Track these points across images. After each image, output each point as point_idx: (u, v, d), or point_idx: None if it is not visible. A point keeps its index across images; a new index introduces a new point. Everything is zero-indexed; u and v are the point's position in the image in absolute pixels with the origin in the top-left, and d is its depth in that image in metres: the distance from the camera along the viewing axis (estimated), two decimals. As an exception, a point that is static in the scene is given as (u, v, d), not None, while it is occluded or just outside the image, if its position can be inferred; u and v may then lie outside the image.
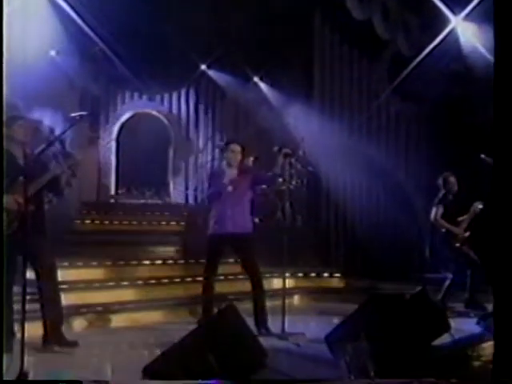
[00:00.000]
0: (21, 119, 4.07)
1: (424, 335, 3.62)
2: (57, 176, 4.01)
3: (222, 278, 5.70)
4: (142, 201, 9.00)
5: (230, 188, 4.71)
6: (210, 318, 3.08)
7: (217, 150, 8.93)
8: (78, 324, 4.40)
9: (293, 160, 7.76)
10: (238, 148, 4.82)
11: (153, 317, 5.25)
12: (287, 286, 5.06)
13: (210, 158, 9.28)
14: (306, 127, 8.11)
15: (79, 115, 3.81)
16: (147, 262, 6.08)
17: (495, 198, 2.96)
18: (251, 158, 7.87)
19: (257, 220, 6.47)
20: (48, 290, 3.89)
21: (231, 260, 5.46)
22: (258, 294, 4.75)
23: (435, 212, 5.74)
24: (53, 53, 7.99)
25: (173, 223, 8.19)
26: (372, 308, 3.57)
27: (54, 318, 3.89)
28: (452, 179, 5.79)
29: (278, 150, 4.81)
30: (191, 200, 9.31)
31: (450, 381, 3.07)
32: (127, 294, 5.35)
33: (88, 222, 7.91)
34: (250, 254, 4.74)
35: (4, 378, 3.10)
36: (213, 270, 4.79)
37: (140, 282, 5.60)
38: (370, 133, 8.64)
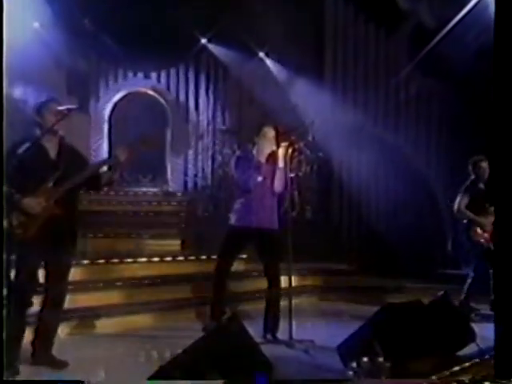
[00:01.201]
0: (53, 102, 3.74)
1: (446, 346, 3.55)
2: (97, 174, 3.83)
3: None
4: (137, 188, 8.95)
5: (259, 178, 4.58)
6: (210, 331, 3.03)
7: (218, 134, 8.88)
8: (61, 332, 4.33)
9: (301, 145, 7.88)
10: (272, 133, 4.64)
11: (148, 322, 5.20)
12: (294, 284, 4.99)
13: (211, 141, 9.19)
14: (317, 108, 8.00)
15: (67, 109, 3.71)
16: (143, 260, 6.02)
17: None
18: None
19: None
20: (55, 292, 3.71)
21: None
22: (274, 295, 4.70)
23: (459, 201, 5.59)
24: (36, 25, 7.87)
25: (171, 214, 8.15)
26: (387, 317, 3.50)
27: (50, 325, 3.76)
28: (484, 164, 5.60)
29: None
30: (191, 188, 9.23)
31: (461, 381, 3.15)
32: (118, 296, 5.31)
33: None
34: (274, 253, 4.67)
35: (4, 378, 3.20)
36: (227, 266, 4.72)
37: (133, 282, 5.56)
38: (387, 114, 8.54)
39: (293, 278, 4.88)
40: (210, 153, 9.14)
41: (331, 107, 8.31)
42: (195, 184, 9.16)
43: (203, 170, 9.13)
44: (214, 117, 9.30)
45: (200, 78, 9.34)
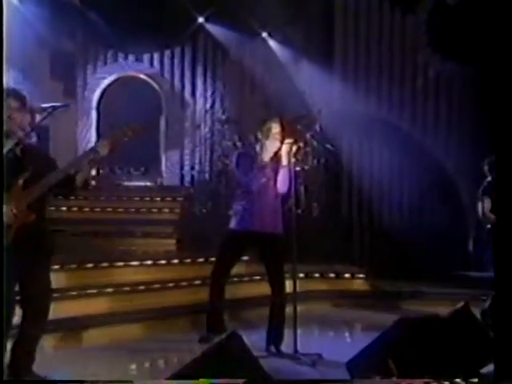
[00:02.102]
0: (12, 98, 3.50)
1: (467, 365, 3.53)
2: (71, 175, 3.59)
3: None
4: (128, 182, 8.93)
5: (263, 179, 4.57)
6: (208, 350, 3.01)
7: (217, 124, 8.84)
8: (45, 345, 4.31)
9: (308, 136, 7.86)
10: (277, 128, 4.60)
11: (140, 332, 5.18)
12: (299, 289, 4.92)
13: (209, 131, 9.16)
14: (325, 96, 7.99)
15: (51, 106, 3.61)
16: (134, 263, 6.00)
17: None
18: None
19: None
20: (36, 303, 3.60)
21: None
22: (278, 304, 4.69)
23: (482, 205, 5.58)
24: (15, 0, 7.82)
25: (165, 210, 8.13)
26: (401, 332, 3.47)
27: (30, 339, 3.72)
28: None
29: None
30: (187, 182, 9.22)
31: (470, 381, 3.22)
32: (108, 304, 5.27)
33: (64, 209, 7.86)
34: (278, 258, 4.66)
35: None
36: (225, 272, 4.72)
37: (126, 289, 5.53)
38: (403, 102, 8.51)
39: (298, 282, 4.83)
40: (208, 144, 9.09)
41: (341, 94, 8.29)
42: (192, 178, 9.14)
43: (201, 162, 9.09)
44: (212, 104, 9.25)
45: (197, 62, 9.28)
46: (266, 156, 4.62)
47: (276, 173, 4.61)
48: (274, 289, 4.67)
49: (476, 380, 3.34)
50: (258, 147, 4.71)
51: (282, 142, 4.62)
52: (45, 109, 3.61)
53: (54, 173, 3.58)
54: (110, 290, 5.39)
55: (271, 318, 4.70)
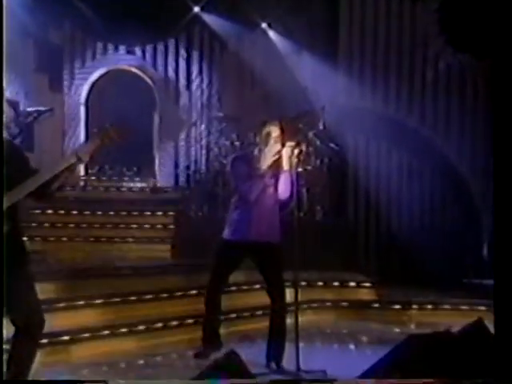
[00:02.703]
0: None
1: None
2: (49, 179, 3.52)
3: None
4: (119, 183, 8.93)
5: (261, 185, 4.58)
6: (206, 369, 3.00)
7: (214, 121, 8.83)
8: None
9: (310, 134, 7.86)
10: (276, 131, 4.61)
11: (132, 346, 5.18)
12: (301, 298, 4.97)
13: (206, 129, 9.15)
14: (329, 91, 7.99)
15: (36, 111, 3.60)
16: (126, 272, 6.03)
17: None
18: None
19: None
20: (22, 318, 3.53)
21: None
22: (278, 316, 4.70)
23: None
24: (-4, -14, 7.85)
25: (159, 213, 8.14)
26: (411, 350, 3.46)
27: (22, 356, 3.70)
28: None
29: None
30: (182, 183, 9.20)
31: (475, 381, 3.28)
32: (98, 316, 5.29)
33: (50, 212, 7.85)
34: (276, 268, 4.69)
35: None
36: (221, 283, 4.77)
37: (117, 299, 5.53)
38: (411, 98, 8.49)
39: (300, 291, 4.85)
40: (204, 142, 9.08)
41: (346, 90, 8.27)
42: (187, 179, 9.13)
43: (196, 162, 9.08)
44: (209, 100, 9.25)
45: (192, 54, 9.26)
46: (265, 163, 4.60)
47: (276, 179, 4.62)
48: (274, 299, 4.69)
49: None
50: (256, 152, 4.71)
51: (283, 145, 4.62)
52: (30, 113, 3.59)
53: (32, 180, 3.55)
54: (99, 301, 5.39)
55: (271, 331, 4.72)
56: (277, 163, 4.62)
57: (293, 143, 4.61)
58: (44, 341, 4.41)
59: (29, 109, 3.60)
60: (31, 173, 3.60)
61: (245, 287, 6.16)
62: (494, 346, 3.56)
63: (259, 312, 5.75)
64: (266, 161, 4.59)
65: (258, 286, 5.75)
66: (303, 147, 4.94)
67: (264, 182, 4.60)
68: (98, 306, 5.35)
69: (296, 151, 4.61)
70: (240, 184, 4.65)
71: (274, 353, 4.67)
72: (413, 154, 8.33)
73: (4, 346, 3.62)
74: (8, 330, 3.56)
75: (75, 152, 3.64)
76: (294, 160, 4.60)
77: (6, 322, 3.50)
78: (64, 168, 3.62)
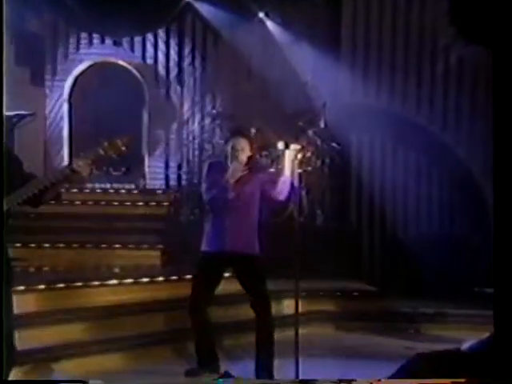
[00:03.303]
0: None
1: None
2: (43, 190, 3.68)
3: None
4: (106, 185, 8.94)
5: (232, 194, 4.74)
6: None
7: (207, 118, 8.87)
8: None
9: (310, 132, 7.90)
10: (243, 144, 4.81)
11: (119, 363, 5.23)
12: (301, 309, 5.04)
13: (198, 127, 9.17)
14: (331, 86, 8.01)
15: (17, 116, 3.66)
16: (112, 282, 6.05)
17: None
18: (253, 130, 7.97)
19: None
20: None
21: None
22: (263, 330, 4.81)
23: None
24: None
25: (148, 217, 8.16)
26: (418, 370, 3.50)
27: None
28: None
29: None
30: (173, 184, 9.22)
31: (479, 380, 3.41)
32: (82, 330, 5.32)
33: (32, 216, 7.86)
34: (255, 280, 4.86)
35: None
36: (204, 298, 4.85)
37: (101, 312, 5.59)
38: (420, 93, 8.50)
39: (300, 301, 4.92)
40: (197, 141, 9.10)
41: (349, 85, 8.30)
42: (179, 180, 9.17)
43: (189, 162, 9.11)
44: (202, 96, 9.27)
45: (184, 46, 9.28)
46: (232, 178, 4.76)
47: (248, 187, 4.78)
48: (257, 313, 4.82)
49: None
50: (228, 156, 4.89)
51: (253, 154, 4.85)
52: (10, 118, 3.64)
53: (24, 188, 3.62)
54: (83, 314, 5.44)
55: (258, 347, 4.81)
56: (244, 175, 4.74)
57: (298, 147, 4.75)
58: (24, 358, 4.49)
59: (8, 113, 3.63)
60: (25, 177, 3.67)
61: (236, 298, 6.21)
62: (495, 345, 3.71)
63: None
64: (234, 175, 4.74)
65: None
66: (308, 153, 5.08)
67: (234, 193, 4.75)
68: (81, 319, 5.40)
69: (299, 155, 4.77)
70: (205, 192, 4.86)
71: (262, 369, 4.76)
72: (421, 153, 8.34)
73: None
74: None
75: (69, 165, 3.74)
76: (296, 164, 4.75)
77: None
78: (56, 181, 3.72)
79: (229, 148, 4.82)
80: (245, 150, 4.78)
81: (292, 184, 4.80)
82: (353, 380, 3.88)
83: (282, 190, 4.82)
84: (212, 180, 4.83)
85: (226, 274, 5.28)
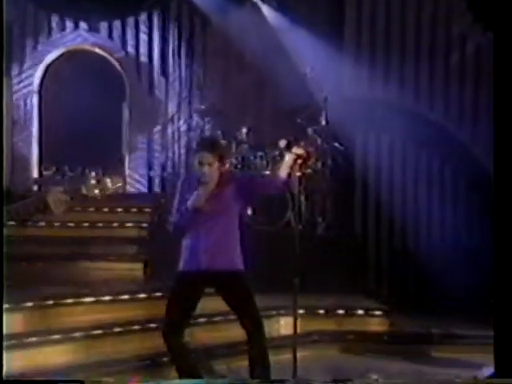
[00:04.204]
0: None
1: None
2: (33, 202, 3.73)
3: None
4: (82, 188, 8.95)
5: (206, 208, 4.79)
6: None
7: (195, 115, 8.90)
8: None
9: (310, 131, 7.92)
10: (208, 159, 4.84)
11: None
12: (300, 329, 5.07)
13: (185, 124, 9.20)
14: (333, 79, 8.02)
15: None
16: (89, 300, 6.06)
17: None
18: (244, 130, 8.02)
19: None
20: None
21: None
22: (257, 352, 4.82)
23: None
24: None
25: (129, 225, 8.19)
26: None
27: None
28: None
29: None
30: (157, 188, 9.33)
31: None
32: (55, 355, 5.33)
33: (-3, 224, 7.90)
34: (240, 298, 4.88)
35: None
36: (179, 323, 4.88)
37: (77, 334, 5.57)
38: (433, 86, 8.54)
39: (298, 320, 4.95)
40: (183, 140, 9.18)
41: (353, 77, 8.38)
42: (163, 183, 9.24)
43: (174, 163, 9.18)
44: (189, 89, 9.33)
45: (168, 32, 9.35)
46: (205, 181, 4.83)
47: (221, 199, 4.83)
48: (249, 334, 4.82)
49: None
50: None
51: (288, 148, 4.84)
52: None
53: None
54: (56, 336, 5.45)
55: (252, 372, 4.80)
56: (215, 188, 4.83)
57: (301, 152, 4.79)
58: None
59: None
60: None
61: (218, 318, 6.16)
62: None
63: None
64: (198, 201, 4.79)
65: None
66: (310, 162, 5.16)
67: (206, 211, 4.79)
68: (53, 342, 5.39)
69: (299, 162, 4.83)
70: (174, 209, 4.90)
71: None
72: (434, 154, 8.39)
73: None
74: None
75: (45, 194, 3.80)
76: (295, 169, 4.85)
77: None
78: (26, 214, 3.80)
79: (196, 163, 4.88)
80: (213, 164, 4.84)
81: (276, 186, 4.94)
82: (348, 380, 4.19)
83: (265, 188, 5.03)
84: (184, 194, 4.88)
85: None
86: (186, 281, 4.89)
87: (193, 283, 4.89)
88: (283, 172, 4.81)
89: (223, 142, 7.97)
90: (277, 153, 7.72)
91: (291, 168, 4.82)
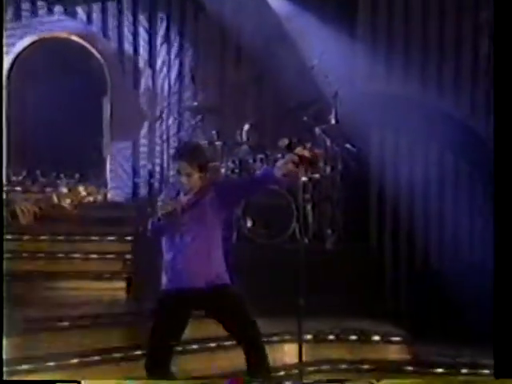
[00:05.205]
0: None
1: None
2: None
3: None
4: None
5: (184, 219, 4.91)
6: None
7: (186, 113, 8.90)
8: None
9: (318, 130, 7.91)
10: (186, 169, 4.96)
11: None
12: (306, 357, 5.09)
13: (174, 123, 9.20)
14: (344, 72, 8.03)
15: None
16: (63, 324, 6.05)
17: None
18: (246, 127, 8.01)
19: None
20: None
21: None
22: (257, 374, 4.82)
23: None
24: None
25: (111, 238, 8.18)
26: None
27: None
28: None
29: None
30: (142, 195, 9.33)
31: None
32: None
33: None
34: (233, 315, 4.94)
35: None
36: (165, 353, 4.93)
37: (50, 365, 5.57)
38: (457, 81, 8.57)
39: (304, 347, 4.94)
40: (172, 141, 9.18)
41: (367, 70, 8.40)
42: (150, 189, 9.24)
43: (162, 167, 9.19)
44: (179, 83, 9.36)
45: (156, 18, 9.38)
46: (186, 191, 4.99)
47: (201, 209, 4.95)
48: (249, 362, 4.84)
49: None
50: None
51: (289, 149, 5.01)
52: None
53: None
54: (24, 367, 5.45)
55: None
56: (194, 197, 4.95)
57: (305, 153, 4.79)
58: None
59: None
60: None
61: (212, 344, 6.21)
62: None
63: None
64: (181, 199, 4.95)
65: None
66: (316, 166, 5.20)
67: (178, 219, 4.91)
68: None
69: (303, 165, 4.82)
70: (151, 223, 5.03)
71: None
72: (460, 156, 8.39)
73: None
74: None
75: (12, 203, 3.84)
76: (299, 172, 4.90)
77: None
78: None
79: (175, 172, 5.03)
80: (192, 175, 4.93)
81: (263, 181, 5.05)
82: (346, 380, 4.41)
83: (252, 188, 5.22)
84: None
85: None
86: (169, 302, 4.96)
87: (176, 304, 4.95)
88: (278, 171, 4.79)
89: (216, 144, 8.05)
90: (279, 155, 7.74)
91: (291, 170, 4.80)
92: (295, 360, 4.99)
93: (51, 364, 5.62)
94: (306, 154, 4.80)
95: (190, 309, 5.04)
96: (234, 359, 5.12)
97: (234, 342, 5.12)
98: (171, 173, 8.95)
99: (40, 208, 3.88)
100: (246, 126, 8.03)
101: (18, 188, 8.94)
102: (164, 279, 5.02)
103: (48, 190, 8.91)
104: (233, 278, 5.03)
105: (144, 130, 9.38)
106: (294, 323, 4.91)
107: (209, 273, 4.95)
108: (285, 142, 5.22)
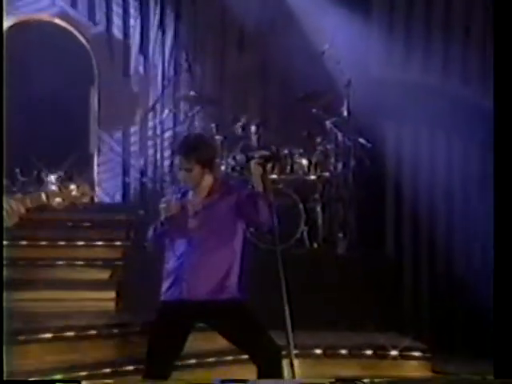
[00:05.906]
0: None
1: None
2: None
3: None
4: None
5: (192, 223, 4.95)
6: None
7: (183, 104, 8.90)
8: None
9: (328, 123, 7.90)
10: (184, 164, 5.00)
11: None
12: (315, 373, 5.33)
13: (169, 115, 9.19)
14: (357, 58, 8.04)
15: None
16: (47, 336, 6.08)
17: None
18: (244, 123, 8.00)
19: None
20: None
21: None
22: None
23: None
24: None
25: (99, 243, 8.18)
26: None
27: None
28: None
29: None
30: (134, 196, 9.35)
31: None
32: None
33: None
34: (243, 330, 4.98)
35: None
36: (164, 368, 4.96)
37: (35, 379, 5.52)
38: (483, 68, 8.52)
39: (313, 362, 5.14)
40: (167, 135, 9.20)
41: (383, 55, 8.41)
42: (142, 190, 9.28)
43: (156, 165, 9.21)
44: (175, 71, 9.36)
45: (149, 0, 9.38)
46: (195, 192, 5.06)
47: (214, 214, 5.00)
48: (259, 372, 4.87)
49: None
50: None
51: (248, 159, 5.14)
52: None
53: None
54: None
55: None
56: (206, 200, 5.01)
57: (266, 153, 5.05)
58: None
59: None
60: None
61: (229, 358, 6.20)
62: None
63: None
64: (192, 201, 5.02)
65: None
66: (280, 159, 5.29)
67: (187, 223, 4.99)
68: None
69: (269, 166, 5.03)
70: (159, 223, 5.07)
71: None
72: (488, 154, 8.33)
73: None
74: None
75: None
76: (268, 178, 5.03)
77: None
78: None
79: (177, 168, 5.09)
80: (192, 170, 4.96)
81: (268, 204, 4.96)
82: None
83: (259, 211, 4.98)
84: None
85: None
86: (170, 313, 5.01)
87: (178, 316, 4.99)
88: (258, 185, 4.93)
89: (216, 139, 8.05)
90: (286, 151, 7.75)
91: (262, 176, 4.93)
92: (303, 376, 5.05)
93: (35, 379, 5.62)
94: (265, 153, 5.13)
95: (192, 322, 5.10)
96: (235, 374, 5.11)
97: (235, 357, 5.16)
98: (165, 170, 9.10)
99: (27, 209, 3.88)
100: (249, 120, 8.05)
101: (-1, 185, 8.93)
102: (165, 289, 5.04)
103: (30, 190, 9.02)
104: (245, 292, 5.04)
105: (135, 123, 9.37)
106: (302, 335, 4.95)
107: (218, 285, 4.98)
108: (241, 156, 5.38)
